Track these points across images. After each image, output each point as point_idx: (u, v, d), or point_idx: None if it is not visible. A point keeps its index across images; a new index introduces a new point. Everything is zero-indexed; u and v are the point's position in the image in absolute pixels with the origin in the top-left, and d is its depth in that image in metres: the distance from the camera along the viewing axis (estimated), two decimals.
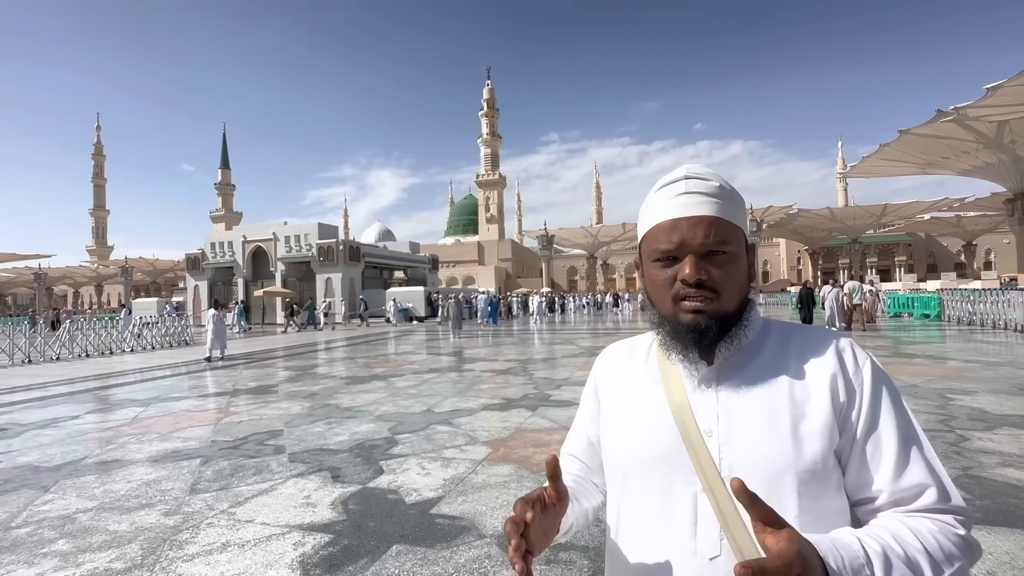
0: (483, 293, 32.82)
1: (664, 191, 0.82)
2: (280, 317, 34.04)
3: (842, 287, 16.27)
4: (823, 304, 15.88)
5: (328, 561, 2.75)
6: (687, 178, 0.81)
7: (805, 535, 0.62)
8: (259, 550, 2.89)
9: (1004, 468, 3.83)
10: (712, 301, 0.76)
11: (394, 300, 29.15)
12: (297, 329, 25.56)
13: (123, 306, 30.30)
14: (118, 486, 3.99)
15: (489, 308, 26.56)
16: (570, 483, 0.91)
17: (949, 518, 0.71)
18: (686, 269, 0.76)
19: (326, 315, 27.40)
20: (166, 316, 20.92)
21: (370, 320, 29.46)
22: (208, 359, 12.79)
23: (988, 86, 24.25)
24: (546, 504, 0.71)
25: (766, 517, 0.59)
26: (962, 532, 0.70)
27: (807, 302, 15.86)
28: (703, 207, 0.78)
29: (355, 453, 4.72)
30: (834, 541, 0.64)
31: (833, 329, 14.28)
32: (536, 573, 2.65)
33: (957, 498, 0.73)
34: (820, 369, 0.78)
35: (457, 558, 2.76)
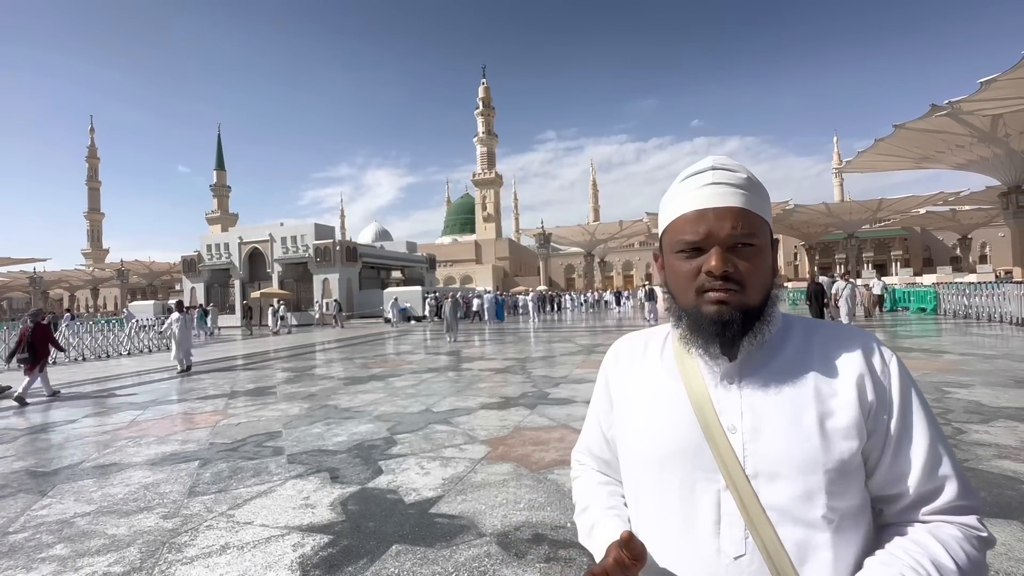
0: (488, 293, 33.77)
1: (690, 181, 0.80)
2: (270, 318, 34.01)
3: (853, 283, 15.39)
4: (835, 300, 14.74)
5: (328, 562, 2.75)
6: (714, 168, 0.79)
7: None
8: (258, 552, 2.88)
9: (1000, 460, 3.85)
10: (737, 294, 0.74)
11: (395, 299, 28.87)
12: (249, 333, 25.23)
13: (68, 311, 27.29)
14: (116, 490, 3.98)
15: (495, 306, 27.99)
16: (607, 499, 0.90)
17: (971, 519, 0.73)
18: (712, 261, 0.74)
19: (283, 318, 26.44)
20: (125, 322, 19.45)
21: (345, 322, 29.41)
22: (184, 370, 11.15)
23: (982, 80, 24.31)
24: (625, 564, 0.70)
25: None
26: (984, 534, 0.72)
27: (817, 299, 14.72)
28: (731, 198, 0.76)
29: (354, 454, 4.71)
30: None
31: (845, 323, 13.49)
32: (537, 571, 2.67)
33: (974, 495, 0.75)
34: (847, 367, 0.77)
35: (457, 557, 2.76)
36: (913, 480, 0.74)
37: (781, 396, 0.76)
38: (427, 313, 29.64)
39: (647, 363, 0.88)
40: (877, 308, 20.50)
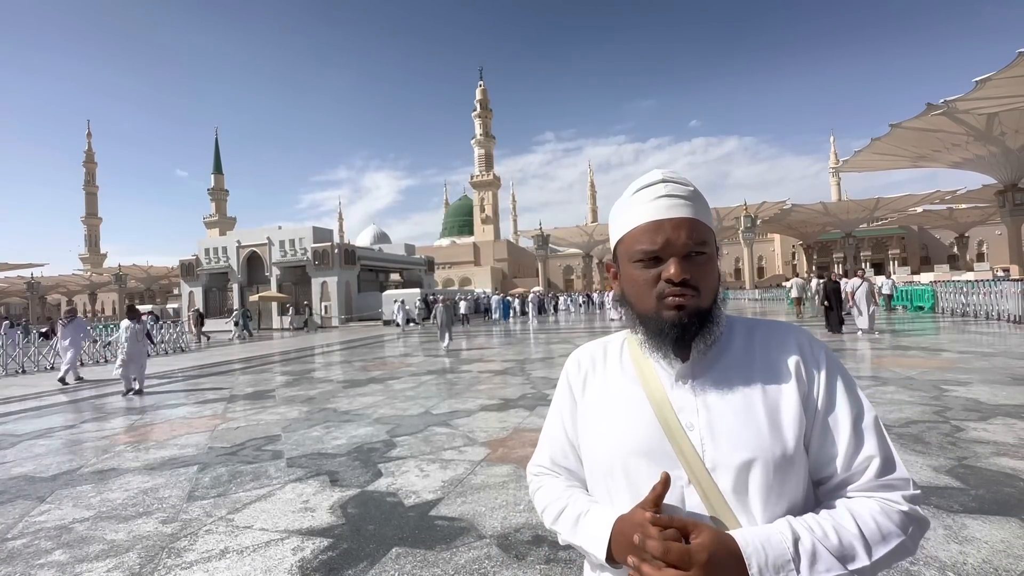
0: (496, 295, 36.10)
1: (642, 194, 0.84)
2: (276, 321, 34.01)
3: (870, 280, 14.17)
4: (851, 299, 13.52)
5: (327, 565, 2.75)
6: (664, 181, 0.83)
7: (737, 532, 0.70)
8: (258, 556, 2.88)
9: (999, 457, 3.86)
10: (693, 298, 0.79)
11: (400, 302, 28.07)
12: (207, 340, 24.31)
13: (5, 318, 21.16)
14: (115, 495, 3.97)
15: (501, 307, 31.11)
16: (583, 495, 0.90)
17: (895, 495, 0.75)
18: (671, 269, 0.78)
19: (236, 324, 25.12)
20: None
21: (319, 328, 30.01)
22: (128, 392, 9.05)
23: (977, 79, 24.38)
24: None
25: (685, 528, 0.69)
26: (905, 508, 0.75)
27: (834, 299, 13.56)
28: (682, 209, 0.81)
29: (353, 457, 4.71)
30: (764, 540, 0.69)
31: (863, 326, 12.88)
32: (537, 573, 2.67)
33: (901, 469, 0.78)
34: (785, 360, 0.83)
35: (457, 559, 2.76)
36: (839, 462, 0.78)
37: (732, 391, 0.81)
38: (398, 319, 26.77)
39: (608, 368, 0.92)
40: (876, 306, 20.37)
